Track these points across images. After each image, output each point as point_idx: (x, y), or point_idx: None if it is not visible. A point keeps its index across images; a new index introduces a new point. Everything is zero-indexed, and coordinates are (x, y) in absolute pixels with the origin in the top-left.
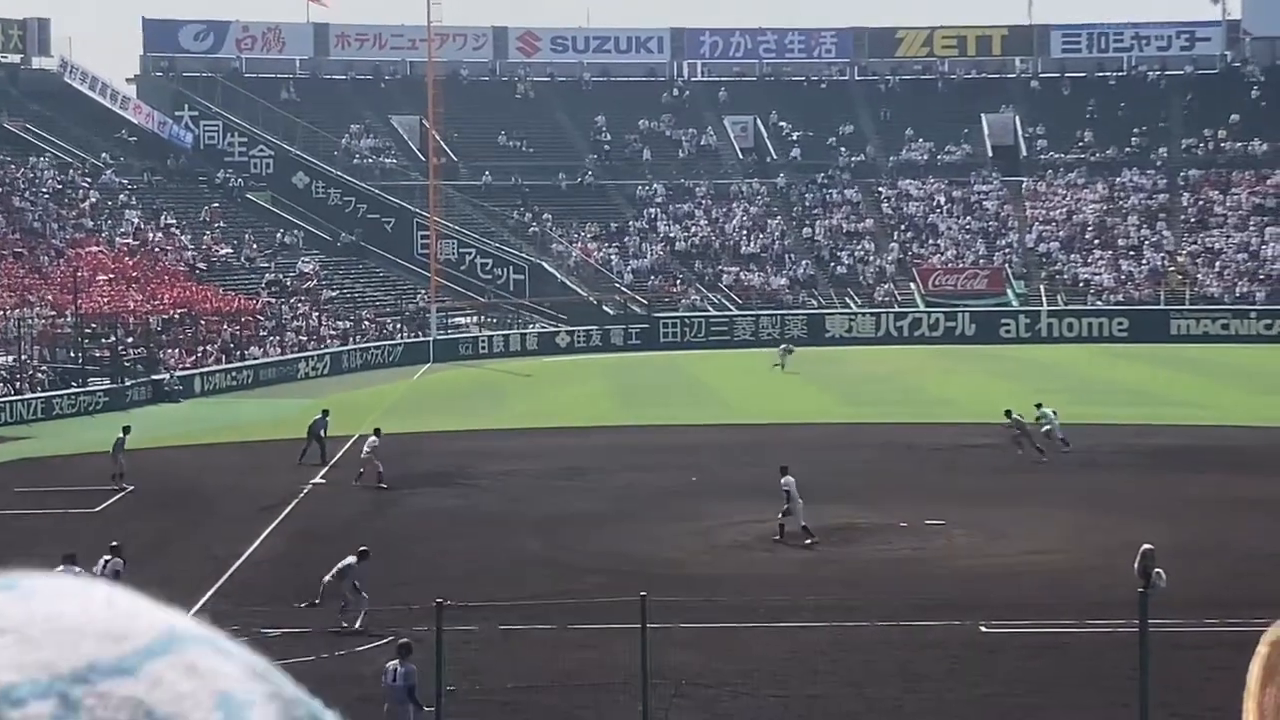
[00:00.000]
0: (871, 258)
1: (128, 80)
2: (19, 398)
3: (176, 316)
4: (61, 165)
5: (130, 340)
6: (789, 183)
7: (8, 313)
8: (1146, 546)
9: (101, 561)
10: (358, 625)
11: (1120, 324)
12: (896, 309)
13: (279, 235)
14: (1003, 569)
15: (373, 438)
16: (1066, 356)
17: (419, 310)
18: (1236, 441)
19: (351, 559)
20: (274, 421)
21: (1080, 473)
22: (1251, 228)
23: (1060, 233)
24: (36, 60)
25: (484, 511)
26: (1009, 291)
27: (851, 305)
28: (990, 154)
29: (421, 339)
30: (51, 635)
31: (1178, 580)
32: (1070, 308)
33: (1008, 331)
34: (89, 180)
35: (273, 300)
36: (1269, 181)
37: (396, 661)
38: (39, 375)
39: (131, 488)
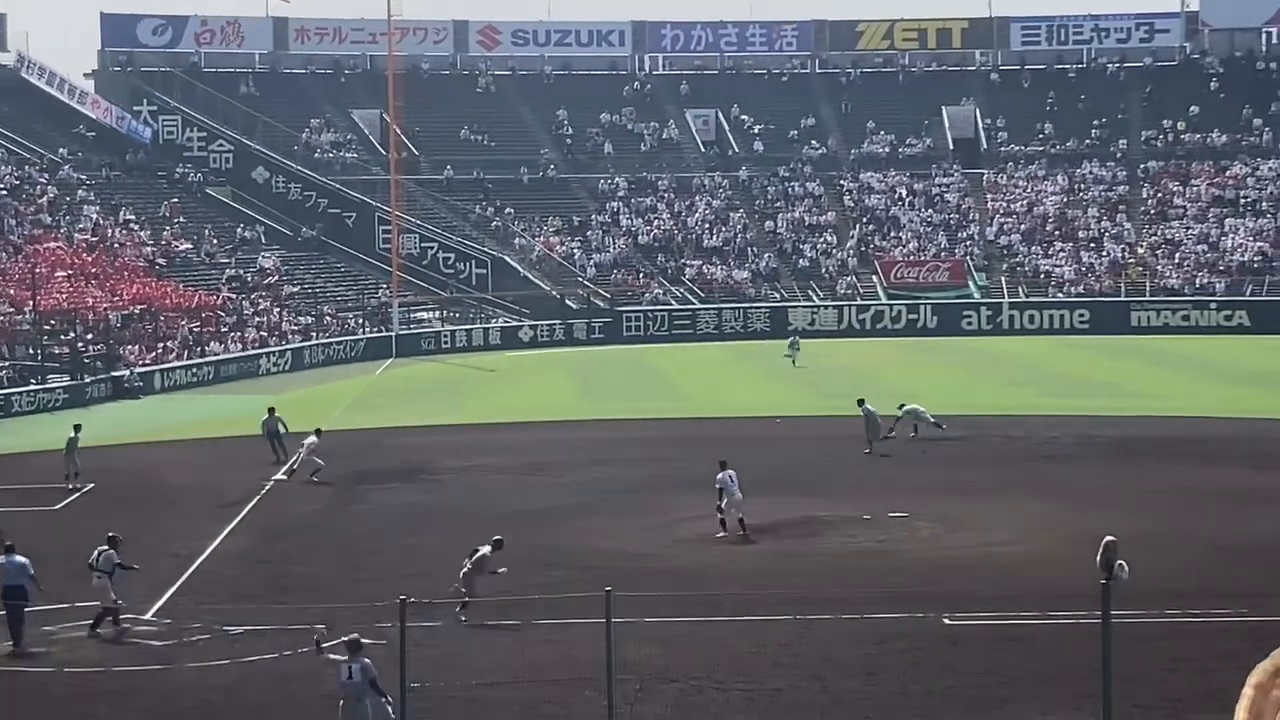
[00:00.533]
0: (833, 250)
1: (86, 75)
2: None
3: (136, 313)
4: (19, 161)
5: (90, 337)
6: (751, 176)
7: None
8: (1109, 538)
9: (96, 552)
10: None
11: (1081, 316)
12: (859, 302)
13: (239, 230)
14: (966, 561)
15: (312, 437)
16: (1028, 348)
17: (381, 305)
18: (1197, 432)
19: (486, 548)
20: (235, 418)
21: (1042, 464)
22: (1211, 219)
23: (1021, 225)
24: None
25: (447, 507)
26: (970, 284)
27: (814, 298)
28: (951, 146)
29: (384, 334)
30: None
31: (1139, 571)
32: (1031, 300)
33: (969, 324)
34: (47, 176)
35: (233, 296)
36: (1228, 173)
37: (347, 662)
38: None
39: (91, 485)
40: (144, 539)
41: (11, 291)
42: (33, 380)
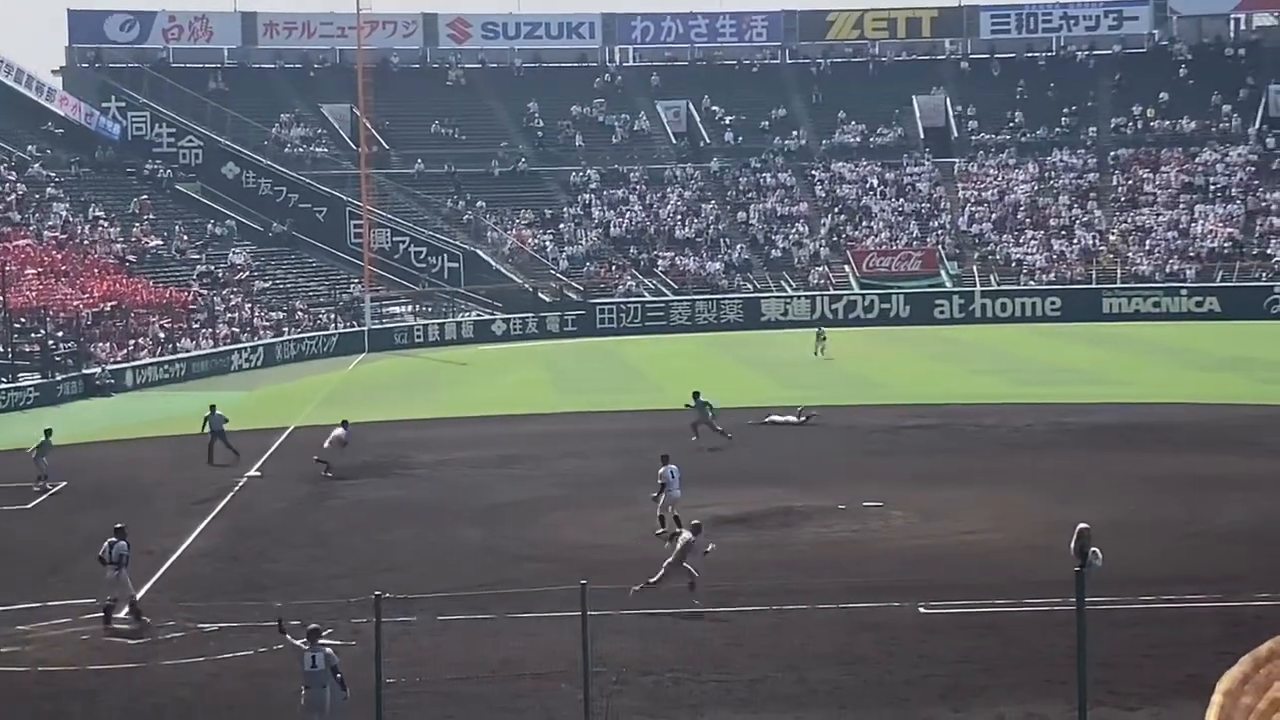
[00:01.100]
0: (806, 241)
1: (53, 72)
2: None
3: (107, 310)
4: None
5: (60, 334)
6: (723, 167)
7: None
8: (1082, 525)
9: (106, 545)
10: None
11: (1053, 303)
12: (831, 291)
13: (209, 226)
14: (940, 550)
15: (339, 430)
16: (1000, 336)
17: (353, 300)
18: (1169, 419)
19: (689, 534)
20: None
21: (1015, 452)
22: (1181, 206)
23: (992, 213)
24: None
25: (421, 501)
26: (942, 272)
27: (786, 289)
28: (922, 136)
29: (356, 329)
30: None
31: (1113, 558)
32: (1003, 288)
33: (942, 312)
34: (15, 173)
35: (204, 292)
36: (1198, 159)
37: (309, 652)
38: None
39: (64, 483)
40: None
41: None
42: (3, 379)
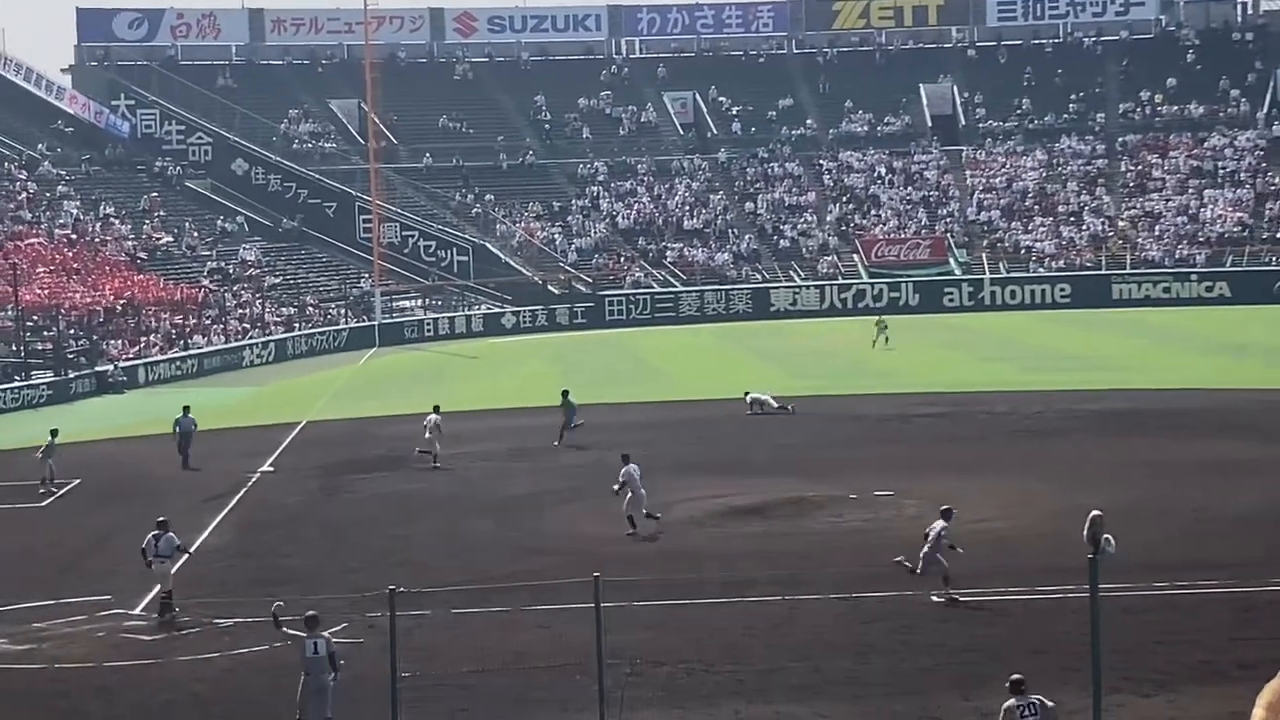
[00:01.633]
0: (814, 230)
1: (62, 70)
2: None
3: (118, 307)
4: None
5: (72, 332)
6: (730, 157)
7: None
8: (1095, 512)
9: (151, 537)
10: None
11: (1062, 290)
12: (840, 280)
13: (220, 223)
14: (952, 538)
15: (433, 416)
16: (1010, 324)
17: (363, 295)
18: (1180, 404)
19: (940, 522)
20: (220, 410)
21: (1026, 440)
22: (1190, 191)
23: (1001, 201)
24: None
25: (434, 495)
26: (951, 260)
27: (795, 278)
28: (929, 124)
29: (366, 323)
30: None
31: (1125, 544)
32: (1013, 275)
33: (951, 300)
34: (26, 172)
35: (215, 288)
36: (1206, 144)
37: (310, 638)
38: None
39: (77, 480)
40: (131, 533)
41: None
42: (16, 377)
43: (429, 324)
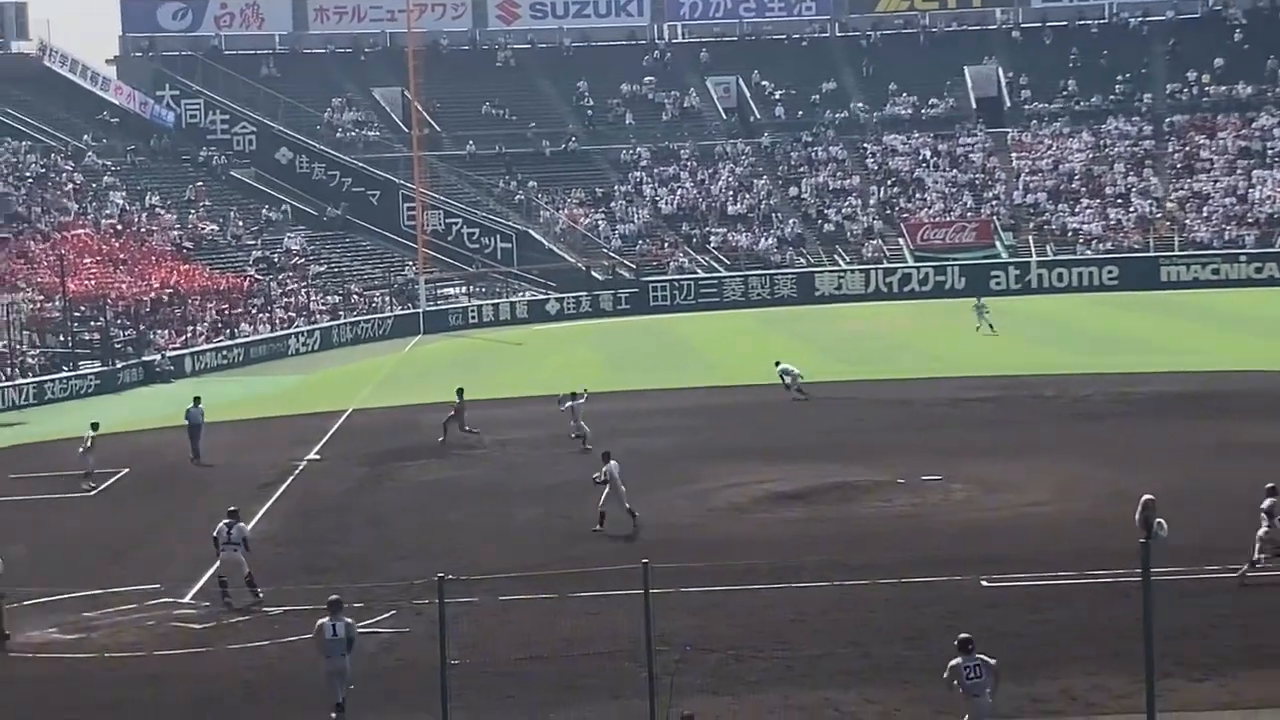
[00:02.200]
0: (859, 214)
1: (107, 61)
2: (10, 383)
3: (165, 297)
4: (44, 149)
5: (120, 322)
6: (773, 142)
7: None
8: (1147, 497)
9: (224, 525)
10: None
11: (1110, 273)
12: (885, 264)
13: (265, 212)
14: (1001, 522)
15: (576, 400)
16: (1057, 307)
17: (407, 282)
18: (1231, 387)
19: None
20: (266, 399)
21: (1076, 423)
22: (1238, 171)
23: (1047, 183)
24: (15, 44)
25: (480, 482)
26: (998, 243)
27: (840, 262)
28: (974, 106)
29: (411, 311)
30: None
31: (1177, 528)
32: (1059, 258)
33: (998, 283)
34: (72, 163)
35: (260, 277)
36: (1254, 124)
37: (330, 621)
38: (29, 360)
39: (126, 470)
40: (179, 522)
41: (41, 279)
42: (65, 367)
43: (473, 311)
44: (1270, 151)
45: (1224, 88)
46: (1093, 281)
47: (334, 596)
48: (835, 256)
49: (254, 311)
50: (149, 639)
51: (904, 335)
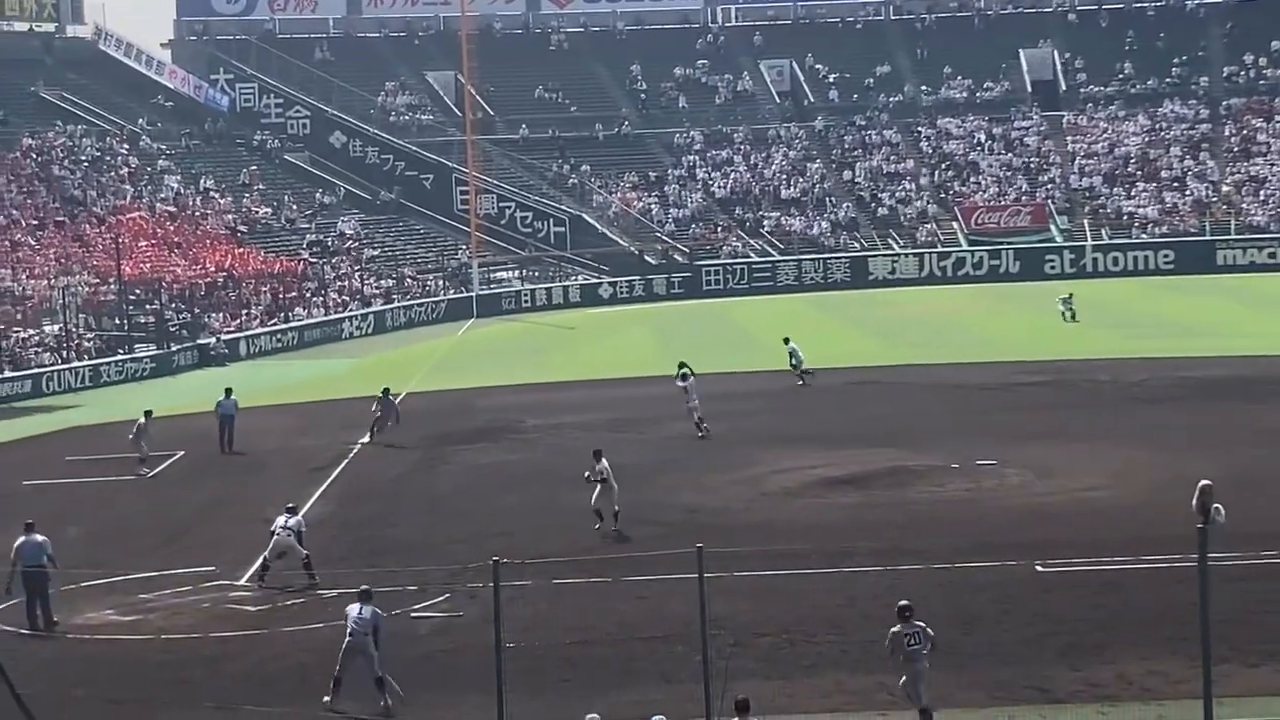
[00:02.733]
0: (913, 198)
1: (162, 45)
2: (66, 366)
3: (219, 280)
4: (99, 133)
5: (174, 305)
6: (827, 125)
7: (52, 281)
8: (1205, 482)
9: (285, 517)
10: None
11: (1166, 256)
12: (939, 249)
13: (318, 195)
14: (1057, 507)
15: (686, 379)
16: (1113, 291)
17: (460, 266)
18: None
19: None
20: (320, 382)
21: (1131, 408)
22: None
23: (1102, 166)
24: (71, 28)
25: (533, 466)
26: (1052, 227)
27: (894, 246)
28: (1029, 89)
29: (464, 295)
30: None
31: (1234, 513)
32: (1115, 241)
33: (1053, 268)
34: (127, 147)
35: (314, 261)
36: None
37: (359, 605)
38: (85, 343)
39: (181, 453)
40: (235, 504)
41: (96, 263)
42: (120, 350)
43: (526, 295)
44: None
45: None
46: (1148, 265)
47: (365, 586)
48: (889, 240)
49: (308, 295)
50: (205, 621)
51: (958, 319)
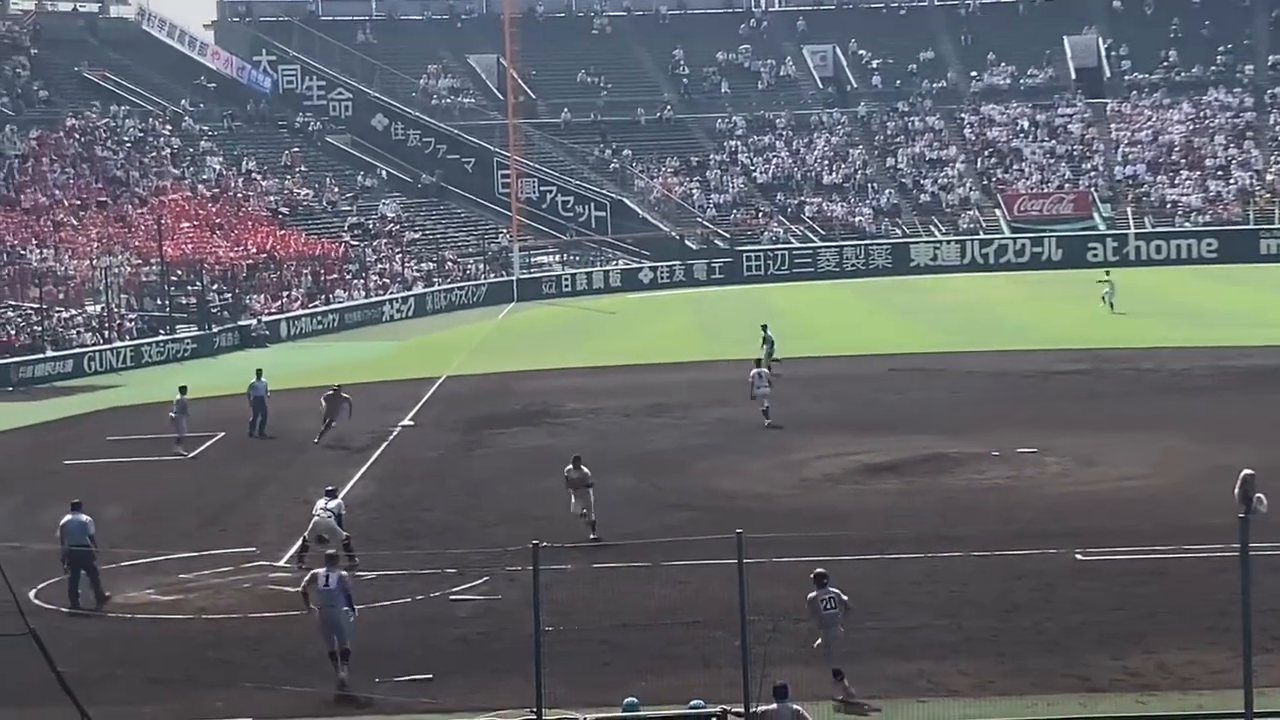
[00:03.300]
0: (955, 185)
1: (205, 26)
2: (108, 346)
3: (261, 261)
4: (142, 113)
5: (216, 286)
6: (870, 111)
7: (94, 262)
8: (1247, 471)
9: (325, 499)
10: None
11: (1209, 245)
12: (982, 236)
13: (360, 178)
14: (1097, 496)
15: (762, 368)
16: (1156, 279)
17: (501, 250)
18: None
19: None
20: (361, 364)
21: (1173, 396)
22: None
23: (1146, 154)
24: (115, 9)
25: (572, 450)
26: (1095, 215)
27: (936, 233)
28: (1073, 76)
29: (505, 278)
30: None
31: (1275, 502)
32: (1158, 230)
33: (1095, 255)
34: (170, 128)
35: (356, 243)
36: None
37: (326, 569)
38: (127, 324)
39: (222, 434)
40: (275, 486)
41: (138, 243)
42: (162, 330)
43: (567, 279)
44: None
45: None
46: (1191, 254)
47: (330, 550)
48: (931, 227)
49: (349, 277)
50: (245, 601)
51: (999, 307)
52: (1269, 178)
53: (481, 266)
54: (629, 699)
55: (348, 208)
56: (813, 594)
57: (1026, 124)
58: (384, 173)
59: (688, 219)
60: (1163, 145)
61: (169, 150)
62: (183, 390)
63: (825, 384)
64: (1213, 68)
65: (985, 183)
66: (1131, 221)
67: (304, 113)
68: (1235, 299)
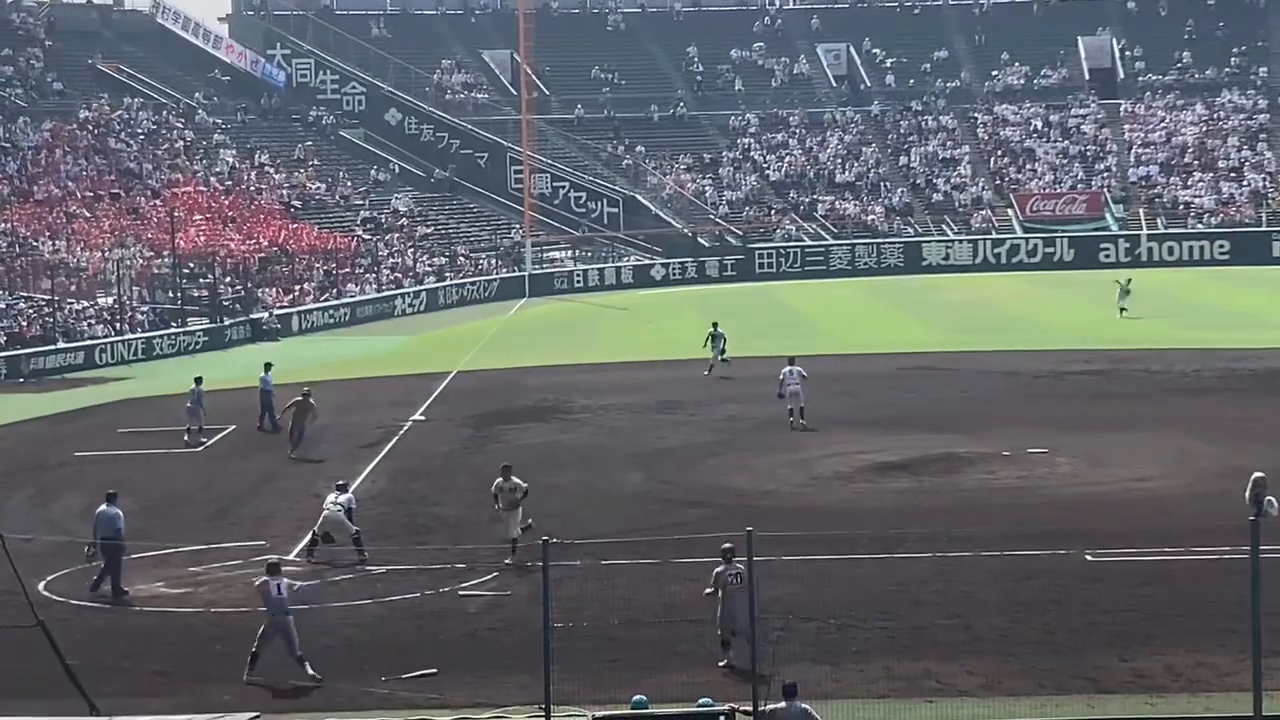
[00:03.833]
0: (968, 184)
1: (219, 20)
2: (119, 338)
3: (273, 255)
4: (156, 106)
5: (228, 279)
6: (883, 110)
7: (106, 254)
8: (1258, 474)
9: (337, 492)
10: None
11: (1221, 247)
12: (994, 235)
13: (373, 172)
14: (1107, 496)
15: (794, 368)
16: (1168, 280)
17: (514, 245)
18: None
19: None
20: (372, 358)
21: (1184, 398)
22: None
23: (1159, 155)
24: (129, 2)
25: (583, 446)
26: (1108, 216)
27: (948, 232)
28: (1087, 77)
29: (517, 274)
30: None
31: None
32: (1170, 231)
33: (1107, 256)
34: (183, 121)
35: (368, 237)
36: None
37: (268, 578)
38: (138, 316)
39: (233, 427)
40: (285, 480)
41: (150, 235)
42: (173, 323)
43: (579, 275)
44: None
45: None
46: (1203, 255)
47: (271, 559)
48: (943, 226)
49: (360, 271)
50: (255, 595)
51: (1011, 306)
52: None
53: (494, 261)
54: (637, 696)
55: (360, 202)
56: (720, 568)
57: (1040, 124)
58: (397, 167)
59: (700, 216)
60: (1176, 147)
61: (182, 143)
62: (198, 381)
63: (836, 382)
64: (1227, 69)
65: (998, 182)
66: (1144, 222)
67: (317, 106)
68: (1247, 301)
